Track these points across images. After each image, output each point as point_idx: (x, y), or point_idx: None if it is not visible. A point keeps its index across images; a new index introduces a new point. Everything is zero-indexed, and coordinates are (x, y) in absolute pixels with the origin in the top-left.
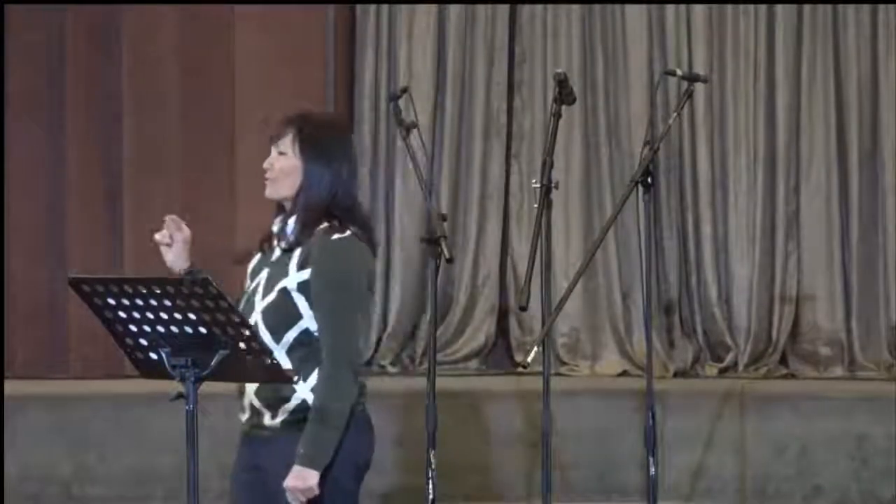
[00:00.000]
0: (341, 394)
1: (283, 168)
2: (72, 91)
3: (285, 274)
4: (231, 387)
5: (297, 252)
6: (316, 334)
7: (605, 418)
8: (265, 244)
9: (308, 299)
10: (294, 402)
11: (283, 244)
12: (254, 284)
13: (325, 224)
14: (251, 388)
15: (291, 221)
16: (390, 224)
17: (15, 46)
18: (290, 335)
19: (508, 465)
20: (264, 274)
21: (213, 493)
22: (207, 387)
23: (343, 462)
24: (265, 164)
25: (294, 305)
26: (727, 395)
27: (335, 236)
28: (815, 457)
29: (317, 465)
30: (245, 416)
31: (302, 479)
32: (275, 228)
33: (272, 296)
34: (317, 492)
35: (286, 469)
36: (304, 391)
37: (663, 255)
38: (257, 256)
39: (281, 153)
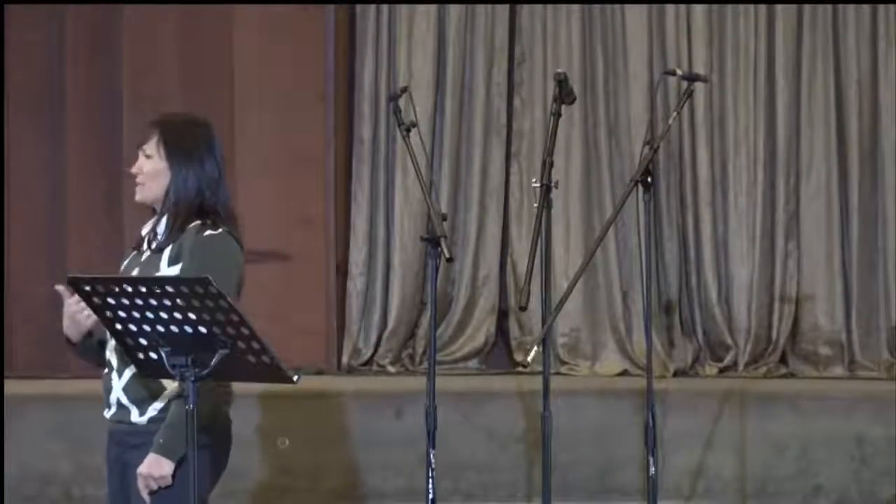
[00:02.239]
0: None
1: (150, 171)
2: (72, 91)
3: (157, 270)
4: (243, 386)
5: (168, 249)
6: None
7: (605, 418)
8: (138, 247)
9: None
10: (162, 401)
11: (153, 245)
12: None
13: (198, 222)
14: (119, 384)
15: (163, 222)
16: (390, 224)
17: (15, 46)
18: None
19: (508, 465)
20: (135, 273)
21: (214, 493)
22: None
23: (202, 465)
24: (133, 170)
25: None
26: (727, 394)
27: (207, 232)
28: (815, 457)
29: (173, 455)
30: (111, 412)
31: (157, 466)
32: (144, 231)
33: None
34: (170, 481)
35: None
36: (175, 390)
37: (663, 255)
38: (129, 256)
39: (147, 156)
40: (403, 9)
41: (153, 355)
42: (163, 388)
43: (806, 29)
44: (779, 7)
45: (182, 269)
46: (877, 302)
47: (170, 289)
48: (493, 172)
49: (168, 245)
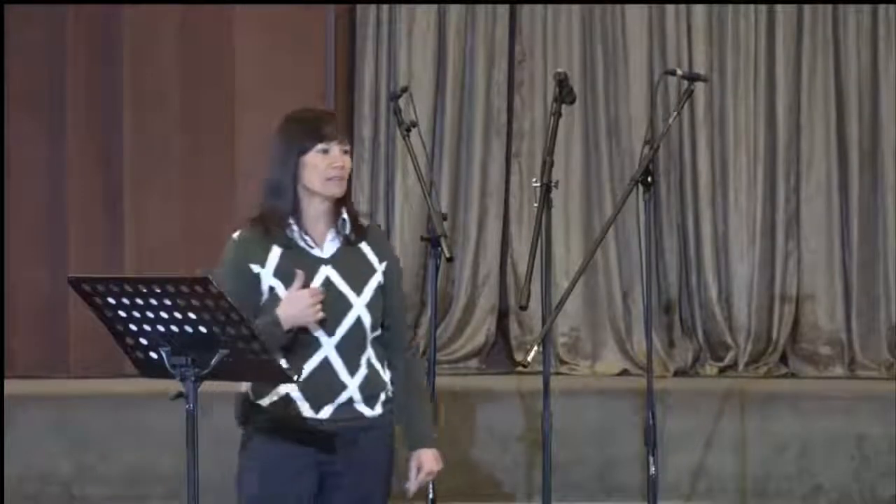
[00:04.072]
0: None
1: (349, 166)
2: (72, 91)
3: (372, 269)
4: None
5: (365, 246)
6: (384, 322)
7: (605, 418)
8: (285, 244)
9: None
10: (386, 393)
11: (339, 239)
12: (320, 281)
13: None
14: (354, 382)
15: (345, 217)
16: (390, 223)
17: (15, 46)
18: (379, 326)
19: (508, 465)
20: (331, 270)
21: (214, 493)
22: (212, 386)
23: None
24: (339, 164)
25: (381, 297)
26: (727, 394)
27: (379, 226)
28: (815, 456)
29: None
30: (330, 411)
31: (439, 461)
32: (295, 229)
33: (371, 292)
34: None
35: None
36: (387, 378)
37: (663, 255)
38: (280, 253)
39: (345, 152)
40: (404, 9)
41: (153, 355)
42: (384, 381)
43: (806, 29)
44: (779, 7)
45: (387, 267)
46: (877, 301)
47: (170, 289)
48: (493, 172)
49: (361, 240)
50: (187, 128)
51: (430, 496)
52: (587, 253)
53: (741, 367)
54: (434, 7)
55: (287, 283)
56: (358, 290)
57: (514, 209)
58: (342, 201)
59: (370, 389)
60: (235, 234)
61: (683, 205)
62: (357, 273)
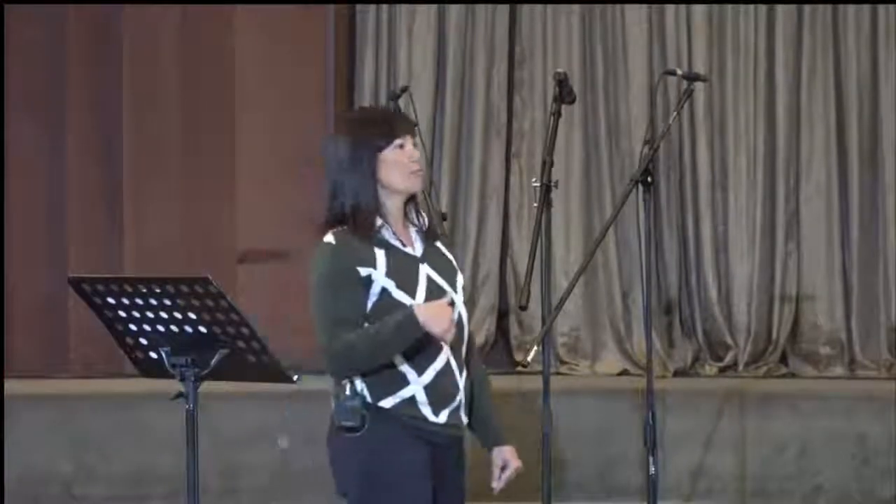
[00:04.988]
0: None
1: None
2: (72, 91)
3: (454, 266)
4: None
5: (442, 245)
6: None
7: (605, 418)
8: (369, 242)
9: None
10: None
11: (421, 237)
12: (423, 281)
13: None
14: (462, 384)
15: (423, 214)
16: None
17: (15, 45)
18: None
19: None
20: (428, 269)
21: (214, 493)
22: (212, 386)
23: None
24: (415, 158)
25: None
26: (727, 394)
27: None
28: (815, 456)
29: None
30: (445, 415)
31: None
32: (385, 229)
33: (461, 290)
34: None
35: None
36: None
37: (663, 255)
38: (384, 253)
39: (415, 146)
40: (403, 9)
41: (153, 355)
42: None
43: (806, 29)
44: (779, 7)
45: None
46: (877, 301)
47: (170, 289)
48: (493, 172)
49: (437, 237)
50: (187, 128)
51: None
52: (587, 253)
53: (741, 367)
54: (434, 7)
55: (399, 283)
56: (454, 288)
57: (514, 209)
58: (412, 197)
59: (467, 391)
60: (330, 239)
61: (683, 205)
62: (447, 271)
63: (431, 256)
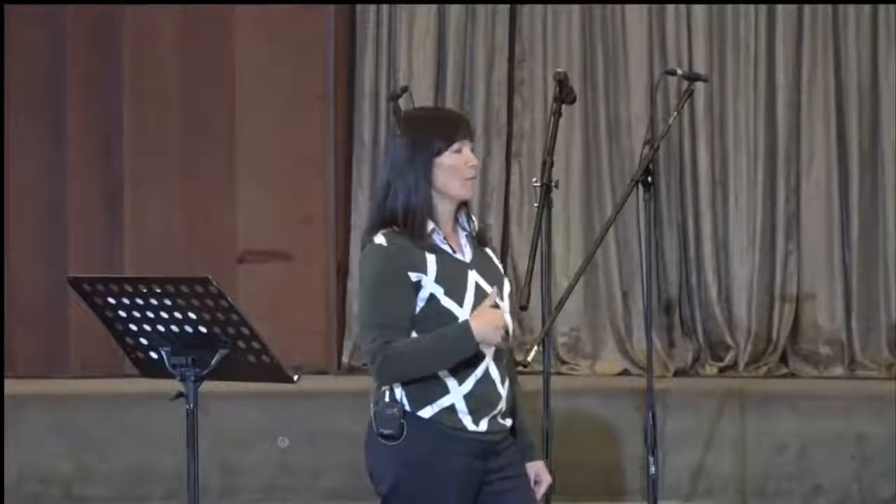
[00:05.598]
0: None
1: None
2: (72, 91)
3: (502, 274)
4: (243, 385)
5: (490, 251)
6: None
7: (605, 418)
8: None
9: None
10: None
11: (470, 242)
12: (472, 287)
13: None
14: (505, 393)
15: (473, 217)
16: None
17: (15, 45)
18: None
19: None
20: (476, 275)
21: (214, 493)
22: (212, 386)
23: None
24: (473, 163)
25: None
26: (727, 394)
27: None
28: (815, 456)
29: None
30: (486, 422)
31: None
32: (436, 234)
33: (507, 297)
34: None
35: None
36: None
37: (663, 255)
38: (435, 258)
39: (473, 150)
40: (404, 9)
41: (153, 355)
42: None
43: (806, 29)
44: (779, 7)
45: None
46: (877, 301)
47: (170, 289)
48: (493, 172)
49: (486, 243)
50: (187, 128)
51: None
52: (587, 253)
53: (741, 367)
54: (434, 7)
55: (447, 290)
56: (500, 296)
57: (514, 209)
58: (464, 202)
59: (509, 400)
60: (381, 241)
61: (683, 205)
62: (495, 278)
63: (480, 263)
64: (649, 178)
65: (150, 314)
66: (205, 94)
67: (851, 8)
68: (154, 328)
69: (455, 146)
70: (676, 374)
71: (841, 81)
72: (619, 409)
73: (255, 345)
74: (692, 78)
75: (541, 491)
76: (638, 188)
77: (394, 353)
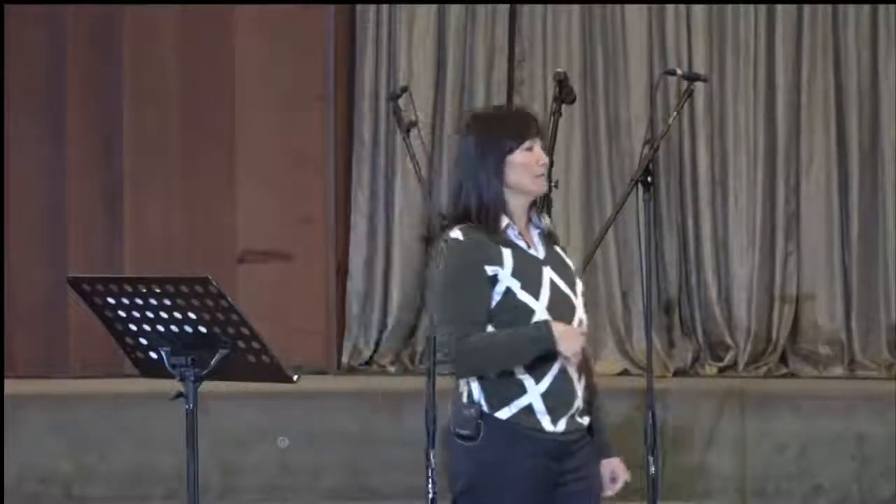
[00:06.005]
0: None
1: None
2: (72, 91)
3: (573, 271)
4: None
5: (561, 251)
6: None
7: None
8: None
9: None
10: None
11: (543, 239)
12: (546, 284)
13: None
14: (581, 392)
15: (543, 216)
16: (390, 224)
17: (15, 46)
18: None
19: None
20: (551, 272)
21: (213, 493)
22: (212, 386)
23: None
24: (543, 160)
25: None
26: (727, 394)
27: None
28: (815, 456)
29: None
30: (563, 421)
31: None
32: (511, 230)
33: (581, 295)
34: None
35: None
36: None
37: (663, 255)
38: (511, 253)
39: (544, 148)
40: (404, 9)
41: (153, 355)
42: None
43: (806, 29)
44: (779, 7)
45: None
46: (877, 301)
47: (170, 289)
48: None
49: (558, 241)
50: (187, 128)
51: (431, 496)
52: (587, 253)
53: (741, 367)
54: (434, 7)
55: (524, 283)
56: (574, 293)
57: None
58: (533, 202)
59: (585, 398)
60: (458, 236)
61: (683, 205)
62: (567, 275)
63: (553, 260)
64: (649, 179)
65: (149, 314)
66: (205, 94)
67: (851, 8)
68: (154, 328)
69: (526, 144)
70: (676, 374)
71: (841, 81)
72: (619, 409)
73: (255, 345)
74: (692, 78)
75: (616, 487)
76: (638, 188)
77: (469, 347)
